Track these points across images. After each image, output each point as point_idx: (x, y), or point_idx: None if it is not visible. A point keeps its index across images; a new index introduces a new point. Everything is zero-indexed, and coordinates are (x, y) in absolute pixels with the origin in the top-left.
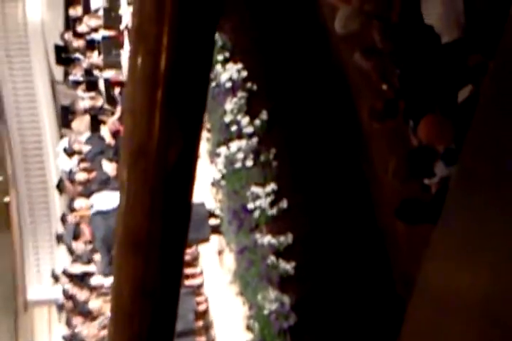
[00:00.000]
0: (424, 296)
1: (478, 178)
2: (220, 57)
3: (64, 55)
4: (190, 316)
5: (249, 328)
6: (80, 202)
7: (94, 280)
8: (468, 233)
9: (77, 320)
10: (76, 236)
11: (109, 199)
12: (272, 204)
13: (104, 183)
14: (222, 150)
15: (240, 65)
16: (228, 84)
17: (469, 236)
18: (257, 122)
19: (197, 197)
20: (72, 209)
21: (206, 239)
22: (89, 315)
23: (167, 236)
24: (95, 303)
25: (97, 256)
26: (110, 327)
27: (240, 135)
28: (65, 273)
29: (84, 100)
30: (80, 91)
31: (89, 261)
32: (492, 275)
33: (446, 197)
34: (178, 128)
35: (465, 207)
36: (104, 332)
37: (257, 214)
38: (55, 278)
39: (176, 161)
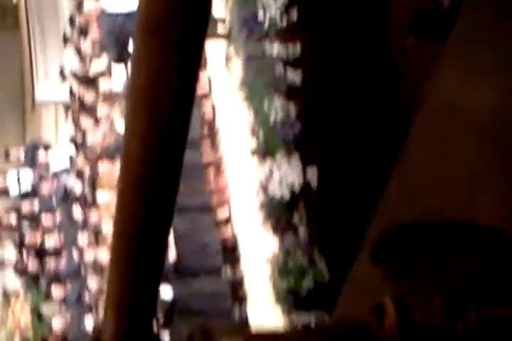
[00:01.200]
0: (428, 112)
1: None
2: None
3: None
4: (196, 126)
5: (253, 135)
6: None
7: (102, 84)
8: (477, 53)
9: (84, 122)
10: (84, 35)
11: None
12: (283, 14)
13: None
14: None
15: None
16: None
17: (478, 57)
18: None
19: None
20: (80, 11)
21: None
22: (96, 119)
23: (185, 25)
24: (103, 107)
25: (103, 56)
26: (127, 111)
27: None
28: (72, 73)
29: None
30: None
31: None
32: (496, 98)
33: (458, 11)
34: None
35: (477, 22)
36: (110, 138)
37: (267, 23)
38: (63, 77)
39: None
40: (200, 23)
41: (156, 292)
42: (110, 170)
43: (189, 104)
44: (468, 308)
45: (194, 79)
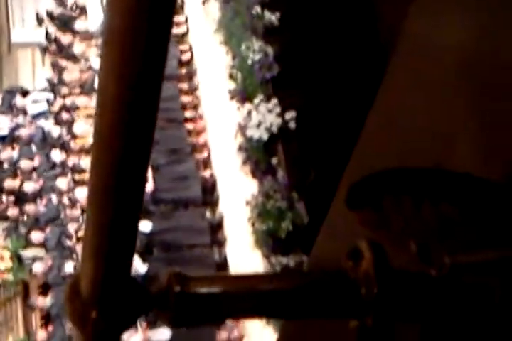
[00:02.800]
0: (407, 46)
1: None
2: None
3: None
4: (174, 63)
5: (232, 77)
6: None
7: (78, 25)
8: None
9: (61, 63)
10: None
11: None
12: None
13: None
14: None
15: None
16: None
17: None
18: None
19: None
20: None
21: None
22: (72, 59)
23: None
24: (79, 47)
25: None
26: (102, 53)
27: None
28: (49, 15)
29: None
30: None
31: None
32: (473, 35)
33: None
34: None
35: None
36: (86, 75)
37: None
38: (39, 21)
39: None
40: None
41: (136, 231)
42: (87, 103)
43: (165, 43)
44: (442, 254)
45: (169, 18)
